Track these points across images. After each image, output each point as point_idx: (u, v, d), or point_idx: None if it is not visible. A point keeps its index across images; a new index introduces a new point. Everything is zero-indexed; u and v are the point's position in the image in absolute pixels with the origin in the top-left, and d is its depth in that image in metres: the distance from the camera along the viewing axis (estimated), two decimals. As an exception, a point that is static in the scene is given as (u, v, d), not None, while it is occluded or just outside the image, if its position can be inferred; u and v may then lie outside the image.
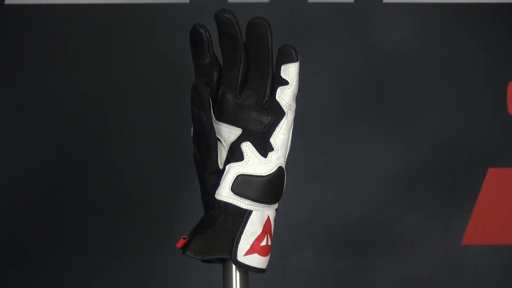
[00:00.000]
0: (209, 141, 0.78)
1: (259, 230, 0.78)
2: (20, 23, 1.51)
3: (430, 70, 1.53)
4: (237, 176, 0.77)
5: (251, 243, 0.78)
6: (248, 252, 0.78)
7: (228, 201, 0.77)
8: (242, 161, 0.78)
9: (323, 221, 1.50)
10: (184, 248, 0.76)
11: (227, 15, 0.79)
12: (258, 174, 0.78)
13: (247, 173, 0.78)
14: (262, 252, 0.79)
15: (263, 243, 0.78)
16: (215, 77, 0.81)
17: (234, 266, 0.79)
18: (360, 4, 1.53)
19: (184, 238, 0.77)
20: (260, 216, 0.78)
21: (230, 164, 0.78)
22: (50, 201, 1.50)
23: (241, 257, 0.77)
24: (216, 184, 0.78)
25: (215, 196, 0.77)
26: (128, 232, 1.50)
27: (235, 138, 0.79)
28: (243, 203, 0.77)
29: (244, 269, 0.79)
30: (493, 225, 1.52)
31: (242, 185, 0.77)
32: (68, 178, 1.50)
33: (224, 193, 0.77)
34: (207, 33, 0.79)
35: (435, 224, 1.51)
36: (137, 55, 1.52)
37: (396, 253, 1.51)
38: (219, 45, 0.81)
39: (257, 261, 0.78)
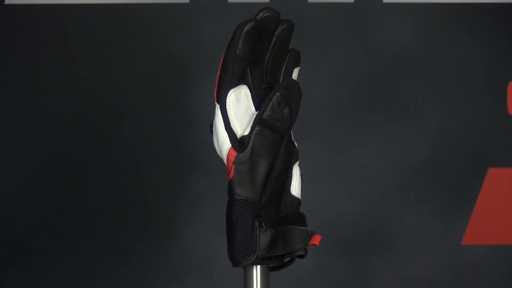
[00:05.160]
0: (282, 140, 0.77)
1: None
2: (20, 23, 1.51)
3: (430, 70, 1.53)
4: (300, 175, 0.79)
5: None
6: None
7: (300, 198, 0.78)
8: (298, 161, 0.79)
9: (322, 221, 1.50)
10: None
11: (278, 14, 0.78)
12: None
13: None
14: None
15: None
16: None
17: (255, 266, 0.76)
18: (360, 4, 1.53)
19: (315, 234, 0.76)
20: None
21: (296, 164, 0.78)
22: (50, 201, 1.50)
23: None
24: (280, 184, 0.77)
25: (294, 194, 0.78)
26: (129, 232, 1.50)
27: None
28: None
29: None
30: (493, 225, 1.52)
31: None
32: (68, 178, 1.50)
33: (299, 190, 0.78)
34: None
35: (435, 224, 1.51)
36: (137, 55, 1.52)
37: (396, 253, 1.51)
38: None
39: None
